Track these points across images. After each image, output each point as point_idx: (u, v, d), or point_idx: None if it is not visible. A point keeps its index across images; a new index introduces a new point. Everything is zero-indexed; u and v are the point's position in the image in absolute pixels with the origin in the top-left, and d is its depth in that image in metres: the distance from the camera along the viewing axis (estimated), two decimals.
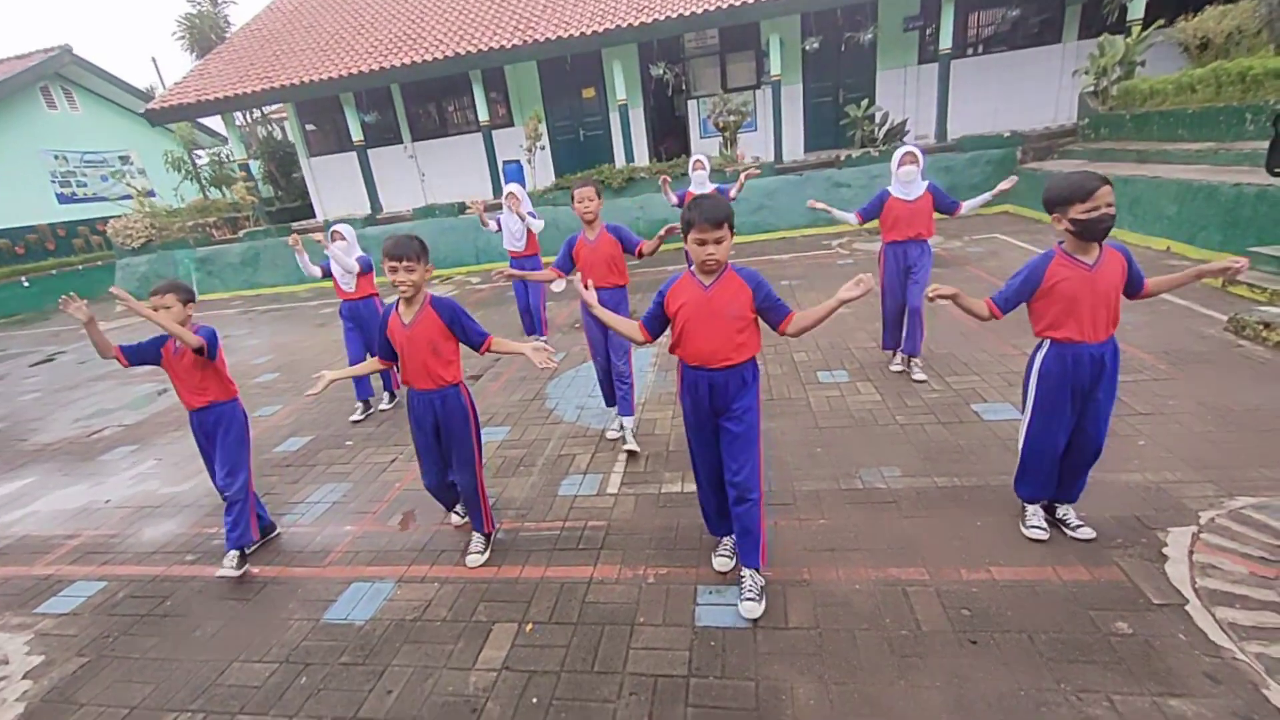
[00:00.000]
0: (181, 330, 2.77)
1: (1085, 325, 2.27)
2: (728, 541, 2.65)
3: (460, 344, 2.73)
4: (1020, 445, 2.56)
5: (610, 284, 3.66)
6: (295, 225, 12.93)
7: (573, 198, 3.61)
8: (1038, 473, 2.52)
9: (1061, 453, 2.46)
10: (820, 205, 4.50)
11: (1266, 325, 4.03)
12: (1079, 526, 2.52)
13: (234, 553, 3.03)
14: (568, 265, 3.75)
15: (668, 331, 2.35)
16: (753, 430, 2.27)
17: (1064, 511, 2.59)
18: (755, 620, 2.31)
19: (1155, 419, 3.35)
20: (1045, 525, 2.57)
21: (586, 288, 2.50)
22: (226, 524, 3.04)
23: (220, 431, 3.02)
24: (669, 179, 5.98)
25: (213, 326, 2.95)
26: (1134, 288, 2.32)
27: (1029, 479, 2.57)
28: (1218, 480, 2.78)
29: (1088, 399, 2.36)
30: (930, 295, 2.35)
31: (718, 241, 2.10)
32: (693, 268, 2.23)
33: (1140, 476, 2.88)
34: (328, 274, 4.76)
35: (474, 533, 2.97)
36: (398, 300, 2.63)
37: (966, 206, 4.13)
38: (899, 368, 4.36)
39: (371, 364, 2.83)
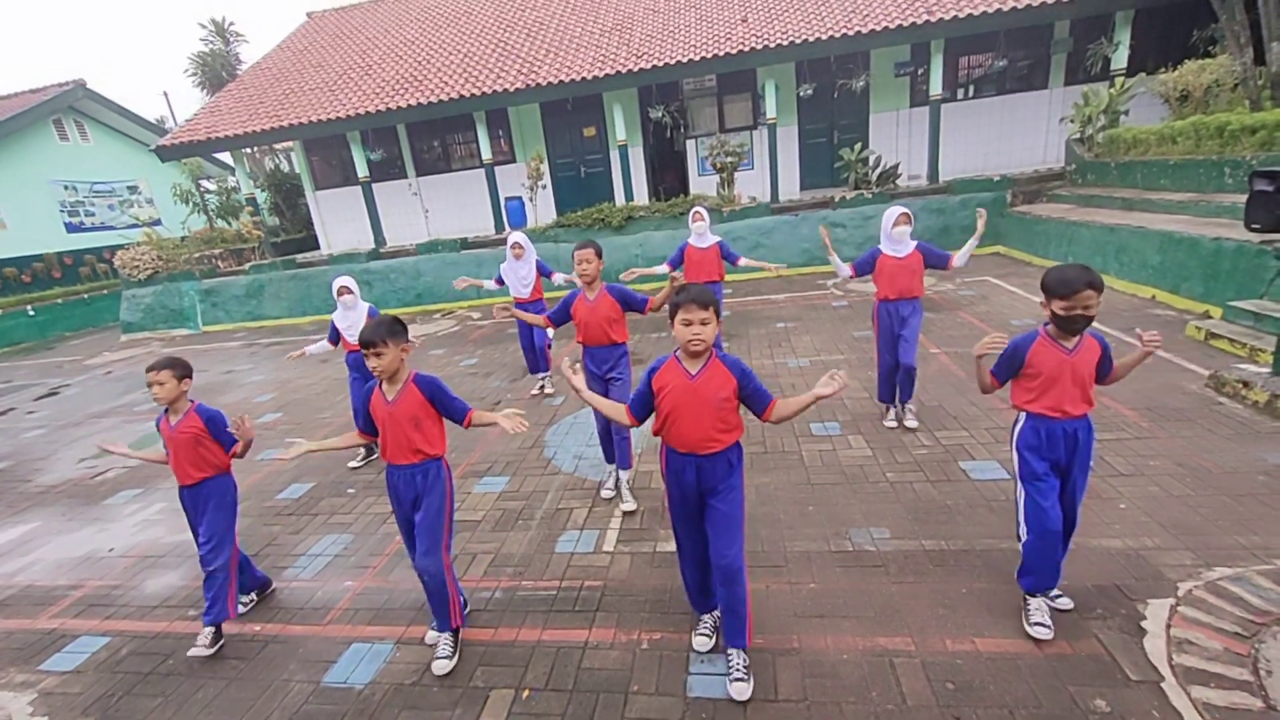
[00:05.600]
0: (238, 447, 2.99)
1: (1060, 402, 2.39)
2: (708, 619, 2.69)
3: (444, 421, 2.73)
4: (1022, 533, 2.52)
5: (609, 342, 3.78)
6: (300, 258, 13.14)
7: (574, 258, 3.74)
8: (1043, 556, 2.45)
9: (1062, 525, 2.44)
10: (827, 239, 4.50)
11: (1245, 384, 4.15)
12: (1058, 596, 2.60)
13: (209, 630, 2.97)
14: (562, 319, 3.87)
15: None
16: (738, 510, 2.35)
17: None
18: (746, 702, 2.34)
19: (1136, 480, 3.45)
20: (1050, 623, 2.46)
21: (575, 373, 2.53)
22: (206, 598, 2.96)
23: (211, 504, 3.03)
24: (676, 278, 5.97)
25: (217, 409, 3.03)
26: (1103, 373, 2.42)
27: (1035, 567, 2.49)
28: (1195, 548, 2.87)
29: (1065, 474, 2.46)
30: (979, 352, 2.47)
31: (703, 323, 2.19)
32: (678, 353, 2.33)
33: (1121, 543, 2.96)
34: (335, 339, 4.87)
35: (440, 634, 2.77)
36: (380, 379, 2.64)
37: (958, 258, 4.22)
38: (893, 424, 4.45)
39: (350, 437, 2.79)
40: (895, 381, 4.45)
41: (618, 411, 2.49)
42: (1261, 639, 2.33)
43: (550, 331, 3.94)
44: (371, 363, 2.54)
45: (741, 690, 2.34)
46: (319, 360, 8.73)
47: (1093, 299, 2.25)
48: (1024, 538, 2.52)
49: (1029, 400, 2.46)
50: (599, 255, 3.75)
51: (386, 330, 2.53)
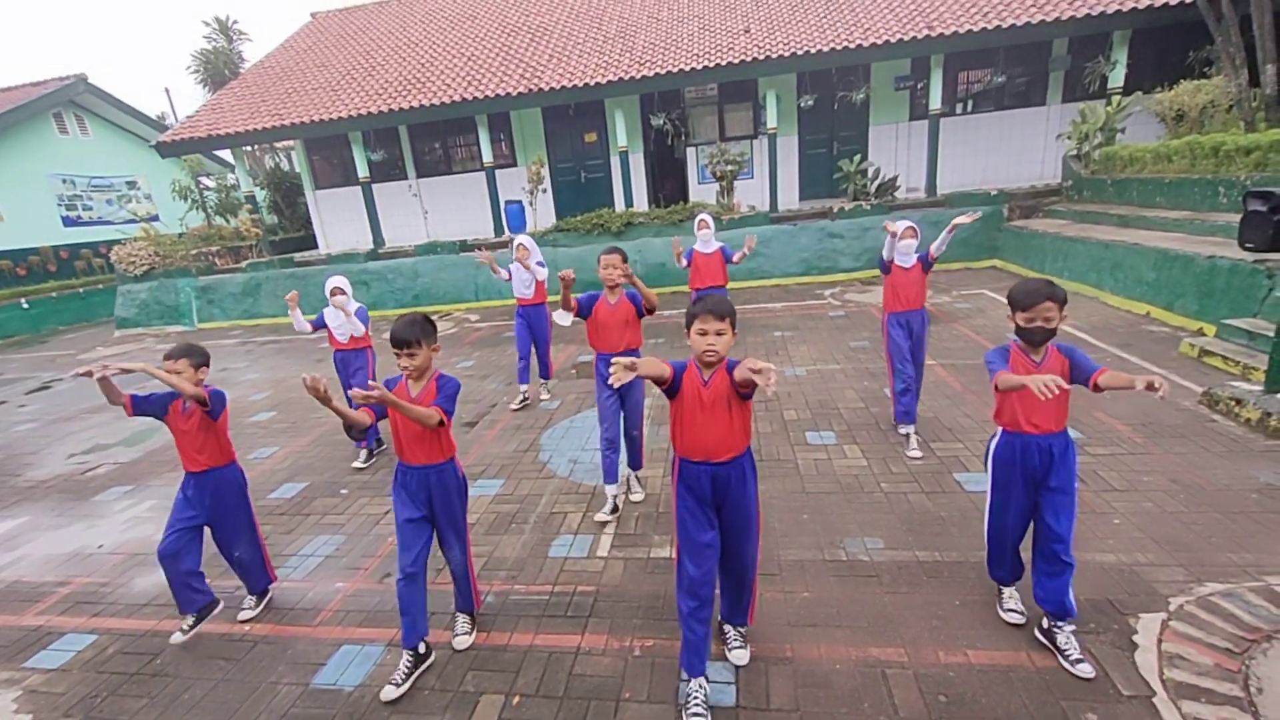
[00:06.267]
0: (194, 389, 2.86)
1: (1031, 416, 2.43)
2: (698, 691, 2.34)
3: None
4: (985, 530, 2.69)
5: (625, 346, 3.77)
6: (298, 257, 13.12)
7: (599, 262, 3.73)
8: (1001, 555, 2.66)
9: (1019, 536, 2.59)
10: (890, 230, 4.36)
11: (1238, 401, 4.18)
12: (1079, 661, 2.33)
13: (252, 597, 3.25)
14: (585, 312, 3.77)
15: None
16: (755, 516, 2.42)
17: (1064, 641, 2.41)
18: (744, 666, 2.52)
19: (1129, 495, 3.46)
20: (1022, 609, 2.64)
21: (632, 368, 2.07)
22: (245, 579, 3.23)
23: (222, 498, 3.05)
24: (681, 249, 6.24)
25: (223, 390, 3.04)
26: (1083, 377, 2.34)
27: (996, 561, 2.70)
28: (1188, 564, 2.88)
29: (1042, 488, 2.47)
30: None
31: (719, 334, 2.20)
32: (695, 360, 2.33)
33: (1114, 557, 2.97)
34: (320, 327, 4.84)
35: (459, 614, 2.93)
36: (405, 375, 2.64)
37: (934, 249, 4.26)
38: (916, 453, 4.19)
39: (363, 414, 2.56)
40: (914, 394, 4.33)
41: (657, 365, 2.19)
42: (1252, 655, 2.34)
43: (567, 316, 3.87)
44: (404, 362, 2.54)
45: (741, 656, 2.54)
46: (313, 360, 8.71)
47: (1052, 310, 2.32)
48: (985, 532, 2.70)
49: (1004, 415, 2.52)
50: (625, 261, 3.74)
51: (420, 330, 2.54)
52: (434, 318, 10.25)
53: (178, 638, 3.01)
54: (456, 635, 2.86)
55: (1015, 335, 2.47)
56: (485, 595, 3.17)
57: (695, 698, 2.30)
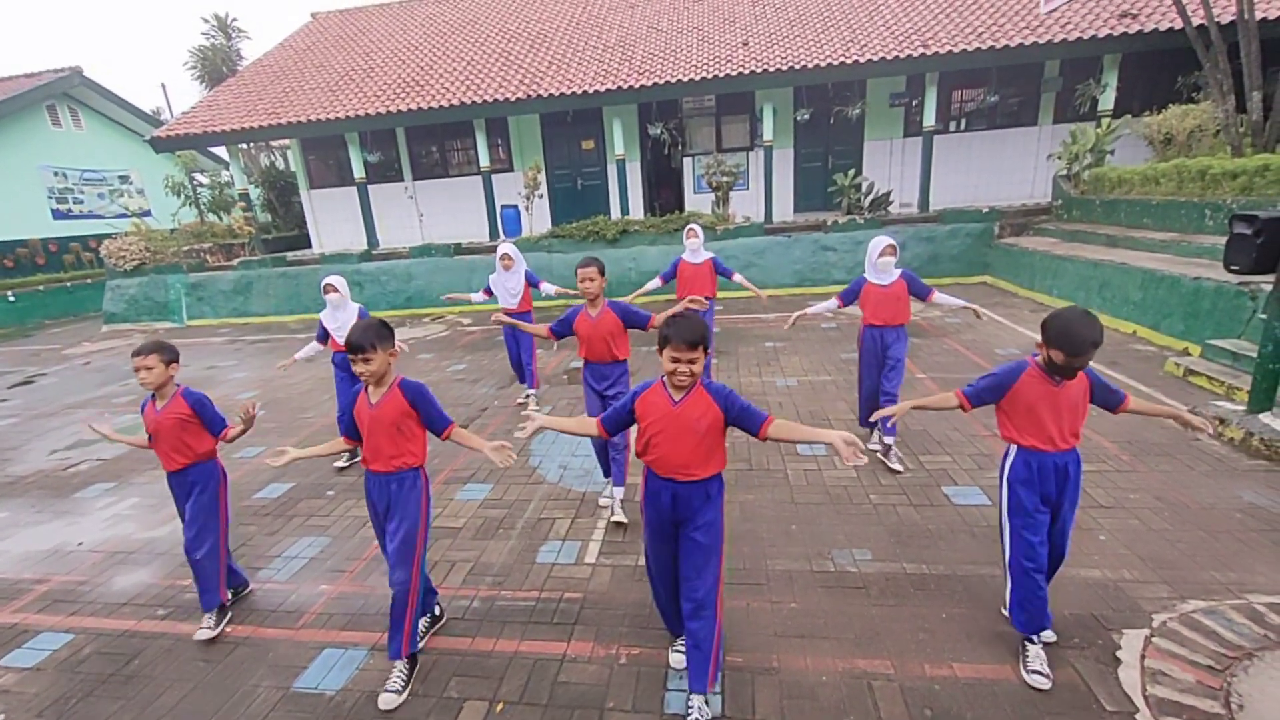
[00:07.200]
0: (238, 431, 3.03)
1: (1047, 435, 2.39)
2: (684, 640, 2.50)
3: (427, 432, 2.68)
4: (1007, 564, 2.52)
5: (611, 359, 3.76)
6: (290, 256, 13.05)
7: (576, 275, 3.75)
8: (1033, 593, 2.43)
9: (1047, 564, 2.45)
10: (795, 317, 4.77)
11: (1222, 421, 4.23)
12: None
13: (210, 614, 3.05)
14: (563, 333, 3.82)
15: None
16: (715, 544, 2.29)
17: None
18: None
19: (1115, 513, 3.49)
20: (1049, 672, 2.38)
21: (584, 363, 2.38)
22: (197, 585, 3.07)
23: (196, 490, 3.01)
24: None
25: (202, 392, 3.01)
26: (1111, 403, 2.42)
27: (1027, 603, 2.44)
28: (1171, 581, 2.90)
29: (1056, 507, 2.46)
30: (888, 415, 2.51)
31: (691, 361, 2.17)
32: (664, 378, 2.30)
33: (1099, 573, 2.99)
34: (323, 338, 4.85)
35: (394, 664, 2.58)
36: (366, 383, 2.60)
37: (939, 297, 4.32)
38: (875, 447, 4.48)
39: (335, 444, 2.75)
40: (876, 406, 4.48)
41: (587, 427, 2.43)
42: (1234, 673, 2.36)
43: (554, 345, 3.91)
44: (359, 368, 2.50)
45: None
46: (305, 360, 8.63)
47: (1093, 355, 2.28)
48: (1008, 566, 2.52)
49: (1017, 433, 2.45)
50: (602, 273, 3.74)
51: (375, 335, 2.49)
52: (425, 320, 10.10)
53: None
54: (384, 691, 2.51)
55: (1042, 362, 2.37)
56: (471, 601, 3.14)
57: (681, 640, 2.54)
